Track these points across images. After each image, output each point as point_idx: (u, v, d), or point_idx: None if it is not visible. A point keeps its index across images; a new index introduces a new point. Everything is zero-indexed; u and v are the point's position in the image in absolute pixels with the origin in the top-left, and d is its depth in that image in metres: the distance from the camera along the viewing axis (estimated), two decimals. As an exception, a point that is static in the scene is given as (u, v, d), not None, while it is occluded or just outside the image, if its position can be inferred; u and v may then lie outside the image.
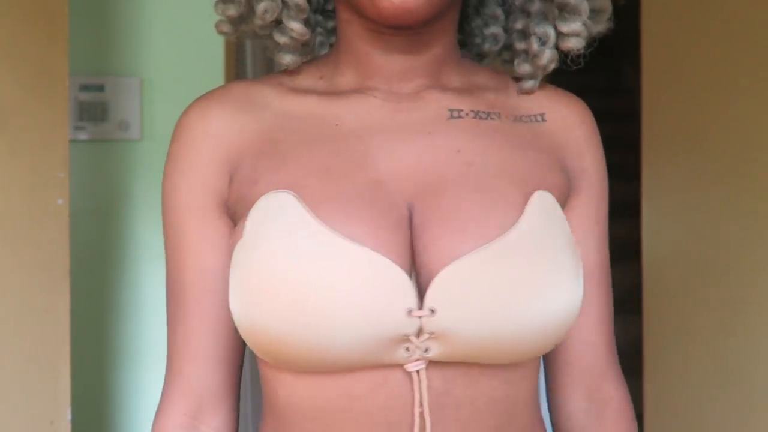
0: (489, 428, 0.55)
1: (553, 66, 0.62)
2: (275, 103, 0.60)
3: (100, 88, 1.70)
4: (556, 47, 0.61)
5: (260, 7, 0.59)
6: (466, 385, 0.54)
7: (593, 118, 0.65)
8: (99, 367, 1.73)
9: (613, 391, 0.64)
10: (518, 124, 0.61)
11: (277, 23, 0.61)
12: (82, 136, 1.71)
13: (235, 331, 0.58)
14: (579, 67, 0.62)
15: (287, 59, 0.61)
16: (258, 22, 0.60)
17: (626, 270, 2.78)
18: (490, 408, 0.55)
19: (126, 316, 1.73)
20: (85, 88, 1.70)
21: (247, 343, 0.54)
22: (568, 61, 0.62)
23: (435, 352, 0.52)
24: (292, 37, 0.60)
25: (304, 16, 0.60)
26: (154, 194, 1.73)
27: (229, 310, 0.55)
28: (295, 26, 0.59)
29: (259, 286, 0.51)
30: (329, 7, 0.68)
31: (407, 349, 0.51)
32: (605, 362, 0.64)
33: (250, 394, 1.97)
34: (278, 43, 0.61)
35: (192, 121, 0.60)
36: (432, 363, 0.53)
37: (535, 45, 0.61)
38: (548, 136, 0.61)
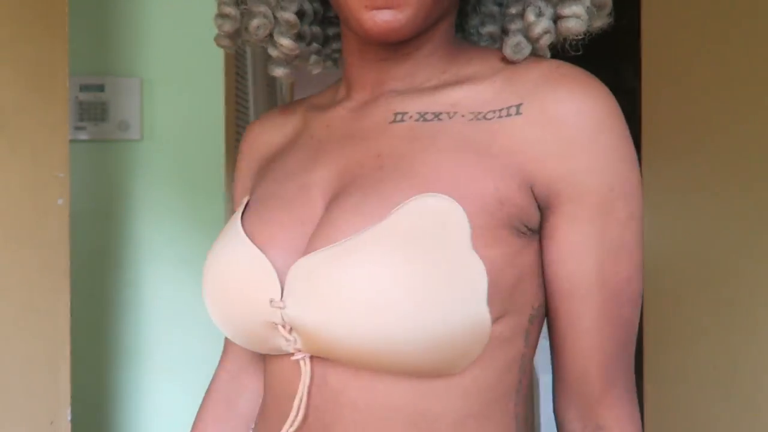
0: None
1: (546, 39, 0.57)
2: (296, 120, 0.69)
3: (100, 88, 1.70)
4: (556, 34, 0.58)
5: (253, 24, 0.62)
6: (360, 389, 0.53)
7: (601, 106, 0.53)
8: (99, 367, 1.73)
9: (611, 421, 0.55)
10: (476, 122, 0.54)
11: (271, 37, 0.64)
12: (82, 136, 1.71)
13: None
14: (577, 54, 0.58)
15: (279, 72, 0.65)
16: (251, 38, 0.63)
17: (626, 270, 2.77)
18: (398, 419, 0.52)
19: (126, 316, 1.74)
20: (85, 88, 1.70)
21: None
22: (567, 47, 0.59)
23: (300, 344, 0.55)
24: (282, 52, 0.63)
25: (295, 31, 0.63)
26: (154, 194, 1.74)
27: None
28: (285, 42, 0.62)
29: (205, 273, 0.61)
30: (330, 13, 0.70)
31: (286, 339, 0.55)
32: (600, 389, 0.55)
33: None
34: (271, 57, 0.65)
35: (245, 135, 0.73)
36: (328, 361, 0.54)
37: (531, 15, 0.57)
38: (515, 133, 0.53)
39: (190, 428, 0.74)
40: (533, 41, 0.58)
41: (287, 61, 0.64)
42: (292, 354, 0.56)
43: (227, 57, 1.76)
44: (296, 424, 0.54)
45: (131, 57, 1.73)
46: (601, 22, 0.60)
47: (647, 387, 1.85)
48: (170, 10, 1.73)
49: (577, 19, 0.57)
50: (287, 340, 0.55)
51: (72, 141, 1.68)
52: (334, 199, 0.57)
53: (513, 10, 0.61)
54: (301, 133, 0.66)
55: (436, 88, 0.59)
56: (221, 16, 0.64)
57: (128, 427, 1.74)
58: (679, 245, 1.78)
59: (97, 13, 1.73)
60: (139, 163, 1.73)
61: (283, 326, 0.55)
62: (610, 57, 3.54)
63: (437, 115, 0.56)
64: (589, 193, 0.52)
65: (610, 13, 0.60)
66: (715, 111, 1.65)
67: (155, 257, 1.74)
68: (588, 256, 0.53)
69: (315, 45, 0.68)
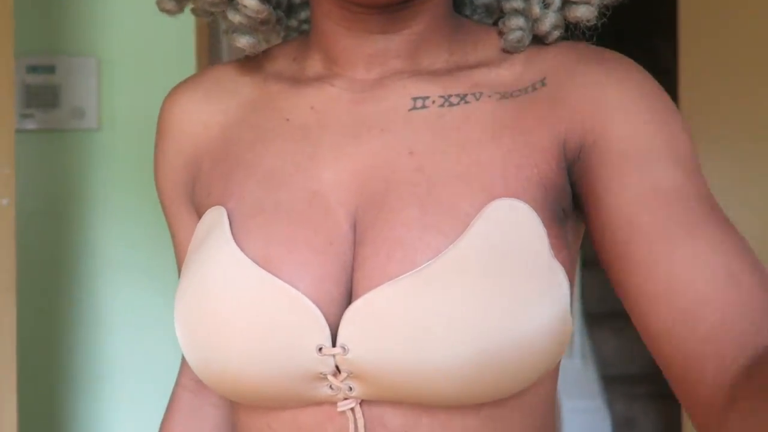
0: None
1: (557, 33, 0.59)
2: (244, 91, 0.64)
3: (51, 69, 1.70)
4: (563, 18, 0.59)
5: None
6: (434, 426, 0.53)
7: (629, 71, 0.56)
8: (50, 395, 1.72)
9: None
10: (503, 101, 0.58)
11: (230, 0, 0.60)
12: (30, 125, 1.71)
13: None
14: (592, 42, 0.59)
15: (243, 41, 0.61)
16: (205, 1, 0.60)
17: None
18: None
19: (81, 335, 1.73)
20: (33, 69, 1.70)
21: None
22: (578, 33, 0.60)
23: (358, 392, 0.52)
24: (246, 15, 0.60)
25: None
26: (114, 192, 1.73)
27: None
28: (249, 2, 0.59)
29: (188, 318, 0.55)
30: None
31: (330, 387, 0.53)
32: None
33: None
34: (233, 23, 0.61)
35: (165, 105, 0.66)
36: (383, 402, 0.53)
37: (536, 8, 0.59)
38: (542, 101, 0.57)
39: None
40: (541, 37, 0.60)
41: (252, 27, 0.61)
42: (333, 403, 0.53)
43: (199, 33, 1.76)
44: None
45: (86, 33, 1.73)
46: None
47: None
48: (132, -21, 1.73)
49: (587, 6, 0.58)
50: (334, 388, 0.52)
51: (18, 131, 1.68)
52: (373, 210, 0.54)
53: None
54: (260, 113, 0.61)
55: (450, 70, 0.60)
56: None
57: (84, 463, 1.73)
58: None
59: (47, -17, 1.73)
60: (96, 157, 1.73)
61: (335, 375, 0.52)
62: (646, 34, 3.54)
63: (463, 97, 0.58)
64: (626, 146, 0.53)
65: None
66: (762, 94, 1.65)
67: (115, 266, 1.73)
68: (646, 168, 0.55)
69: (279, 12, 0.66)
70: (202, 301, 0.54)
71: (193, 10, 0.64)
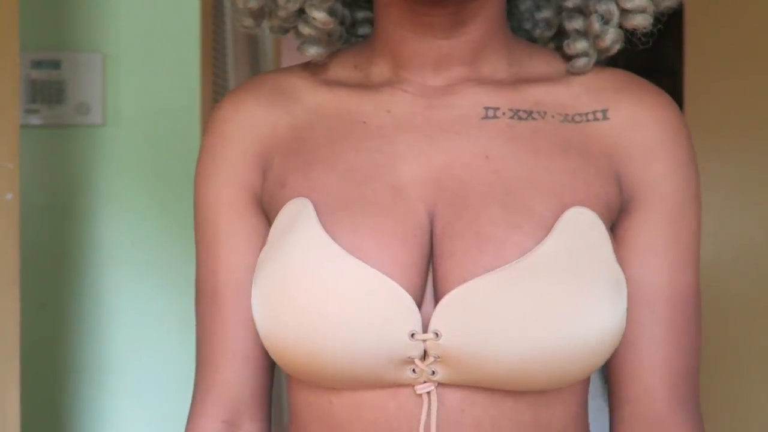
0: None
1: (617, 47, 0.65)
2: (307, 96, 0.68)
3: (56, 64, 1.70)
4: (620, 26, 0.64)
5: None
6: (488, 406, 0.59)
7: (676, 116, 0.65)
8: (53, 390, 1.73)
9: None
10: (567, 124, 0.64)
11: (301, 13, 0.66)
12: (35, 120, 1.71)
13: None
14: (646, 47, 0.64)
15: (312, 51, 0.67)
16: (281, 13, 0.65)
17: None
18: (517, 430, 0.59)
19: (85, 330, 1.73)
20: (38, 64, 1.70)
21: (268, 352, 0.62)
22: (635, 40, 0.65)
23: (441, 375, 0.57)
24: (316, 27, 0.65)
25: (329, 4, 0.65)
26: (119, 188, 1.73)
27: None
28: (318, 15, 0.64)
29: (273, 299, 0.59)
30: None
31: (414, 371, 0.57)
32: (667, 410, 0.64)
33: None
34: (303, 35, 0.67)
35: (225, 113, 0.68)
36: (444, 383, 0.58)
37: (596, 24, 0.64)
38: (606, 137, 0.64)
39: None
40: (602, 52, 0.65)
41: (320, 38, 0.66)
42: (404, 385, 0.58)
43: (203, 30, 1.76)
44: None
45: (92, 29, 1.73)
46: (671, 1, 0.65)
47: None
48: (138, -25, 1.73)
49: (643, 14, 0.63)
50: (417, 371, 0.57)
51: (23, 126, 1.68)
52: (454, 207, 0.60)
53: (570, 4, 0.66)
54: (334, 116, 0.66)
55: (513, 83, 0.65)
56: None
57: (86, 458, 1.74)
58: (726, 252, 1.78)
59: (53, -22, 1.73)
60: (100, 153, 1.73)
61: (422, 359, 0.57)
62: (650, 34, 3.54)
63: (530, 114, 0.64)
64: (666, 198, 0.64)
65: None
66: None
67: (119, 261, 1.73)
68: (659, 260, 0.63)
69: (343, 27, 0.71)
70: (290, 285, 0.58)
71: (271, 28, 0.68)
